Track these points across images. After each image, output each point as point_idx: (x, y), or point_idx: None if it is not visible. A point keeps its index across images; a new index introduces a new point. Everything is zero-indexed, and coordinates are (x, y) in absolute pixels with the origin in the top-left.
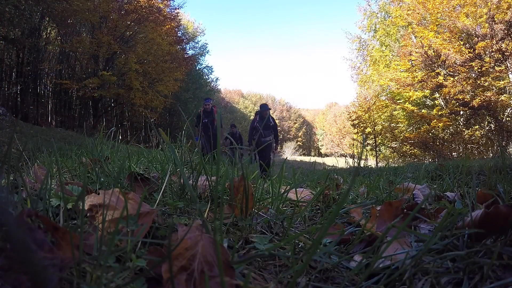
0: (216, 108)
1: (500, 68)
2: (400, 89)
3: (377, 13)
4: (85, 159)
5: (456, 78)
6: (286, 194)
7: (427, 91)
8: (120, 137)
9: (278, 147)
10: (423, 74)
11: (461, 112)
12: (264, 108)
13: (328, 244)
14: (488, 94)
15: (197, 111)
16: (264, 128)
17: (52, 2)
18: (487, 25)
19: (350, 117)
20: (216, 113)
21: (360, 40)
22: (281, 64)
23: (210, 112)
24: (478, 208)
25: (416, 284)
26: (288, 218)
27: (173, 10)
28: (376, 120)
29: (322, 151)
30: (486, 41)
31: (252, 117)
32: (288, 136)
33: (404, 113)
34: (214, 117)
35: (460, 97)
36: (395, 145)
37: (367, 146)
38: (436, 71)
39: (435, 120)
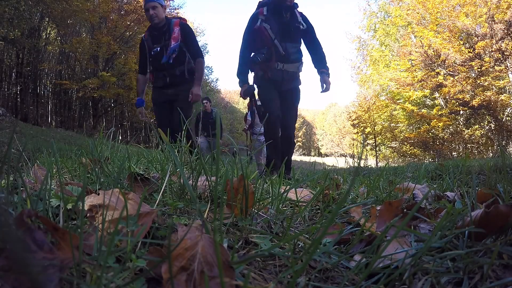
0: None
1: (500, 67)
2: (400, 89)
3: (377, 13)
4: (85, 159)
5: (456, 77)
6: (286, 194)
7: (427, 90)
8: (120, 138)
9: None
10: (423, 73)
11: (461, 112)
12: None
13: (327, 243)
14: (488, 93)
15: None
16: (286, 36)
17: (52, 2)
18: (486, 24)
19: (350, 117)
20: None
21: (360, 40)
22: None
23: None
24: (478, 207)
25: (416, 283)
26: (288, 218)
27: (172, 11)
28: (376, 120)
29: (322, 151)
30: (485, 40)
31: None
32: None
33: (404, 113)
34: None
35: (460, 97)
36: (395, 145)
37: (367, 146)
38: (436, 70)
39: (435, 120)
